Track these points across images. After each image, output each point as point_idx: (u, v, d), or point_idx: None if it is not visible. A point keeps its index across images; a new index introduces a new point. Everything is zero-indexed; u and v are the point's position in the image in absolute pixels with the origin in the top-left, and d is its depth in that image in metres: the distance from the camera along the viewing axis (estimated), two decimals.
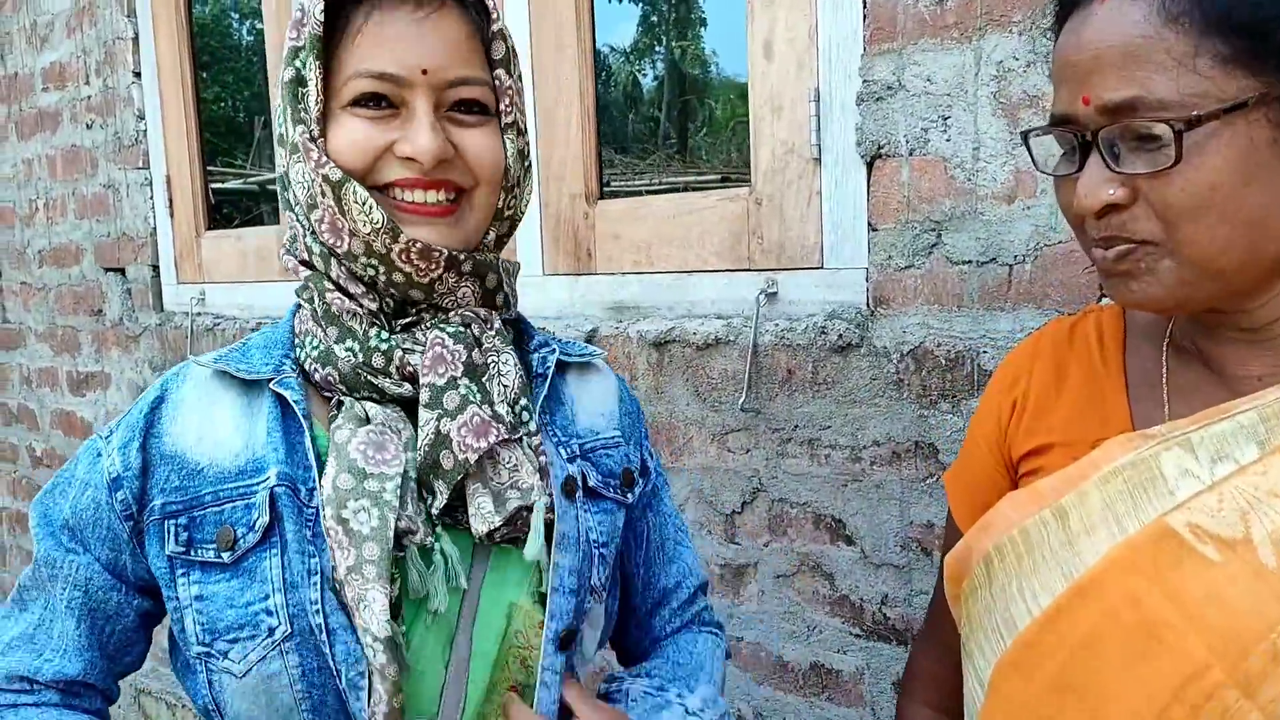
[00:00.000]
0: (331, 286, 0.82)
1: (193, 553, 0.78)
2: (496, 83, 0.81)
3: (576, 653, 0.84)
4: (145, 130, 2.44)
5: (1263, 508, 0.68)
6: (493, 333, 0.84)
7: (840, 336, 1.37)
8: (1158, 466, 0.73)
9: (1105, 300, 1.13)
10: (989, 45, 1.22)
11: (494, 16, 0.80)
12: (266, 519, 0.77)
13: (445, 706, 0.80)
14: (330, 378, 0.82)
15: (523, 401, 0.83)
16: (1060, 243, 1.20)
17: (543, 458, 0.83)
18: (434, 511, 0.79)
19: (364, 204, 0.76)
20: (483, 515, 0.78)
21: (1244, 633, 0.66)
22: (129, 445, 0.80)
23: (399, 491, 0.77)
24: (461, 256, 0.80)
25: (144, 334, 2.53)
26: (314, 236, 0.81)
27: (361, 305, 0.81)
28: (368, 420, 0.81)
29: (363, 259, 0.78)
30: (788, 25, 1.42)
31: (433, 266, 0.79)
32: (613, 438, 0.92)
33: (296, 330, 0.86)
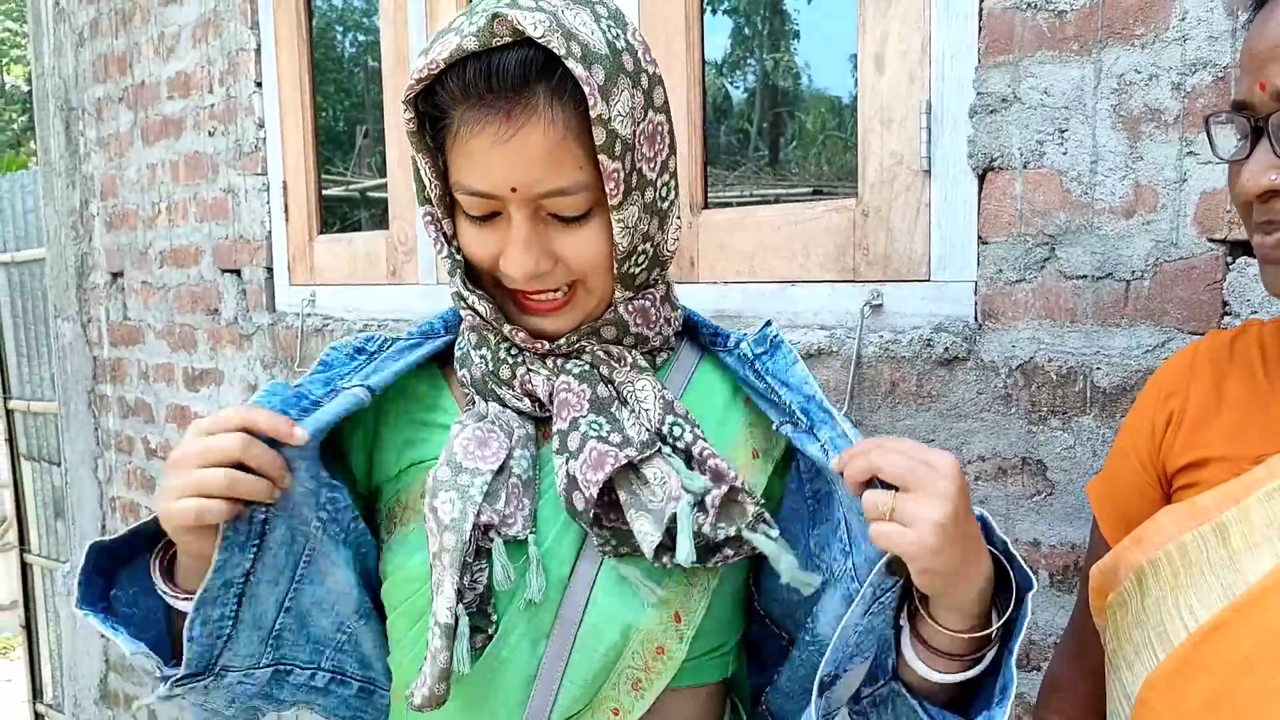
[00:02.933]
0: (465, 309, 0.88)
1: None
2: (600, 169, 0.76)
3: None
4: (264, 138, 2.55)
5: None
6: (626, 367, 0.86)
7: (946, 350, 1.37)
8: None
9: (1257, 316, 1.11)
10: (1109, 58, 1.21)
11: (591, 103, 0.74)
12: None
13: (534, 700, 0.83)
14: (464, 379, 0.87)
15: (669, 419, 0.83)
16: (1181, 259, 1.17)
17: (714, 460, 0.81)
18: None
19: (469, 299, 0.84)
20: (645, 537, 0.78)
21: None
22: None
23: (486, 487, 0.81)
24: (563, 343, 0.84)
25: (256, 333, 2.63)
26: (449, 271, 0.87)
27: (493, 322, 0.86)
28: (484, 418, 0.86)
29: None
30: (900, 38, 1.41)
31: (540, 345, 0.85)
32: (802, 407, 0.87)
33: (461, 329, 0.93)
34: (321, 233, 2.51)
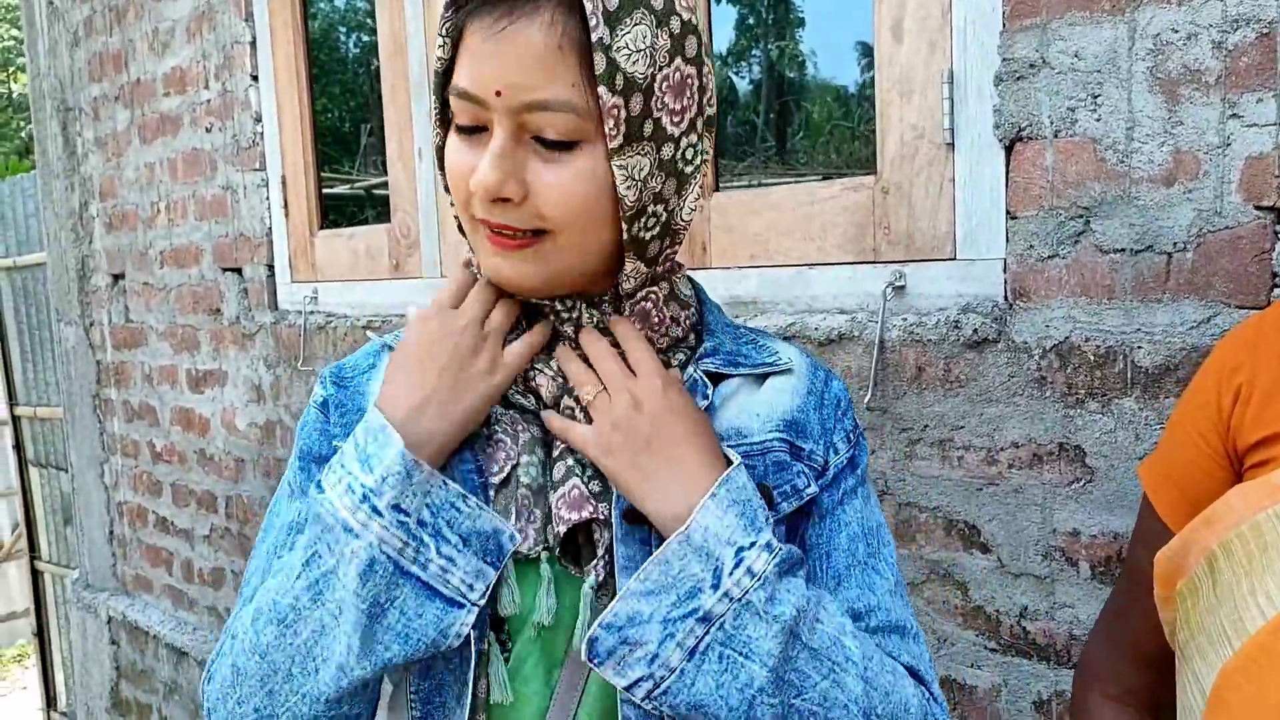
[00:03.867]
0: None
1: None
2: (599, 101, 0.68)
3: None
4: (262, 133, 2.49)
5: None
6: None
7: (975, 331, 1.30)
8: None
9: None
10: (1144, 17, 1.14)
11: (592, 24, 0.67)
12: None
13: None
14: None
15: None
16: (1226, 229, 1.10)
17: None
18: (593, 587, 0.75)
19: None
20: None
21: None
22: (324, 384, 0.85)
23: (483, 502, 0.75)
24: (545, 305, 0.78)
25: (259, 332, 2.58)
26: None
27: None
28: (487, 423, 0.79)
29: None
30: (919, 4, 1.34)
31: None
32: (761, 443, 0.79)
33: None
34: (323, 228, 2.45)
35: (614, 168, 0.70)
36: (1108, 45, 1.16)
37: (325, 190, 2.52)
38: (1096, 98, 1.18)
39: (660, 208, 0.75)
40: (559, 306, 0.78)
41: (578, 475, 0.75)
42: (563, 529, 0.74)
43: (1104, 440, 1.20)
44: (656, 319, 0.80)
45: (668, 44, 0.71)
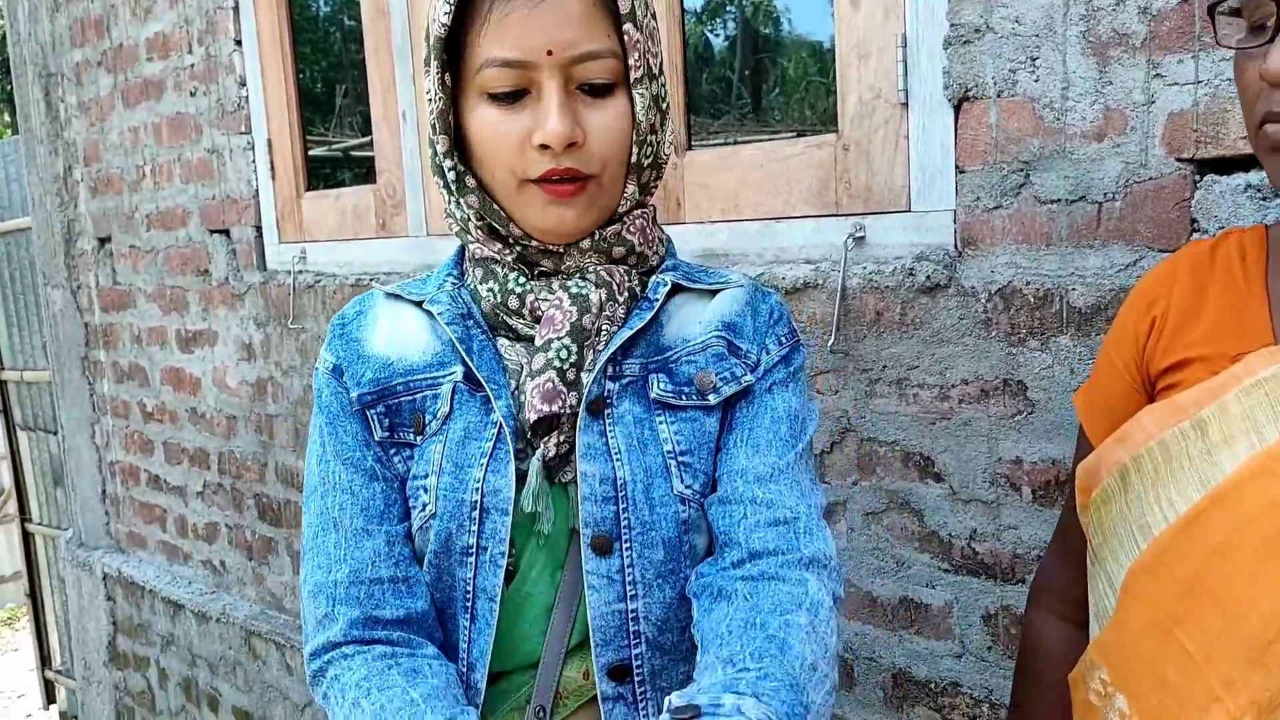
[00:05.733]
0: (474, 238, 0.91)
1: (396, 434, 0.91)
2: (625, 38, 0.83)
3: (684, 561, 0.90)
4: (247, 96, 2.55)
5: None
6: (623, 296, 0.90)
7: (928, 278, 1.40)
8: None
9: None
10: None
11: None
12: (447, 409, 0.88)
13: (552, 629, 0.89)
14: (461, 321, 0.91)
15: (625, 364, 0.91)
16: (1150, 179, 1.21)
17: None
18: (542, 459, 0.87)
19: (474, 204, 0.89)
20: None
21: None
22: (333, 344, 0.94)
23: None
24: (583, 243, 0.88)
25: (248, 292, 2.65)
26: (455, 203, 0.90)
27: (501, 255, 0.90)
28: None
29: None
30: None
31: (556, 247, 0.89)
32: (701, 342, 0.91)
33: (465, 265, 0.96)
34: (309, 189, 2.52)
35: (635, 95, 0.84)
36: (1045, 11, 1.26)
37: (309, 157, 2.58)
38: (1035, 60, 1.28)
39: (653, 138, 0.88)
40: (574, 251, 0.89)
41: (555, 369, 0.86)
42: (533, 416, 0.85)
43: (1043, 375, 1.32)
44: (650, 234, 0.93)
45: (642, 7, 0.85)
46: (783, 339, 0.96)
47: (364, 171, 2.51)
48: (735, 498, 0.88)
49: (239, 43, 2.54)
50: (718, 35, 2.34)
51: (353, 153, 2.92)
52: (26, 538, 4.61)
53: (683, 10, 1.74)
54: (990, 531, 1.40)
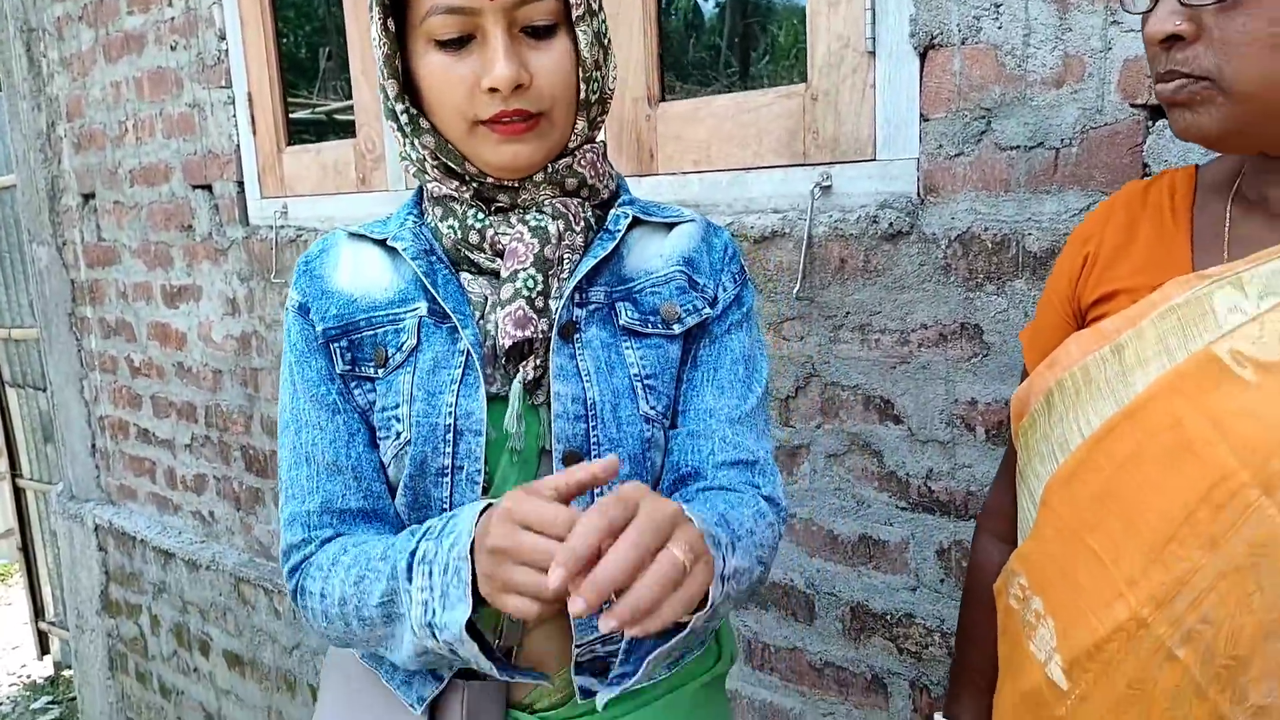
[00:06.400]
0: (431, 177, 0.94)
1: (358, 369, 0.94)
2: None
3: (646, 473, 0.95)
4: (226, 50, 2.55)
5: None
6: (579, 228, 0.94)
7: (891, 225, 1.43)
8: (1209, 303, 0.79)
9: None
10: None
11: None
12: (414, 342, 0.92)
13: None
14: (425, 256, 0.94)
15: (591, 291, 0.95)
16: (1106, 125, 1.24)
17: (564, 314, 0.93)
18: (523, 381, 0.91)
19: (429, 145, 0.92)
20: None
21: (1271, 441, 0.74)
22: (299, 282, 0.97)
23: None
24: (530, 183, 0.92)
25: (231, 247, 2.67)
26: (410, 145, 0.92)
27: (459, 192, 0.93)
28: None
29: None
30: None
31: (510, 182, 0.92)
32: (664, 275, 0.97)
33: (424, 205, 0.99)
34: (290, 144, 2.53)
35: (579, 33, 0.87)
36: None
37: (290, 116, 2.59)
38: (999, 6, 1.30)
39: (598, 74, 0.91)
40: (529, 185, 0.92)
41: (524, 297, 0.89)
42: (508, 342, 0.89)
43: (998, 319, 1.35)
44: (600, 168, 0.96)
45: None
46: (735, 276, 1.01)
47: (348, 135, 2.53)
48: (704, 433, 0.96)
49: None
50: (706, 1, 2.34)
51: (335, 115, 2.93)
52: (18, 493, 4.65)
53: None
54: (946, 470, 1.44)
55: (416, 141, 0.92)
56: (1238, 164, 0.88)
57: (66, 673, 4.54)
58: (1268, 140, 0.79)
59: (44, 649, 4.68)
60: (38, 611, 4.64)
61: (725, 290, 0.99)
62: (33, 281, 3.59)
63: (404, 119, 0.90)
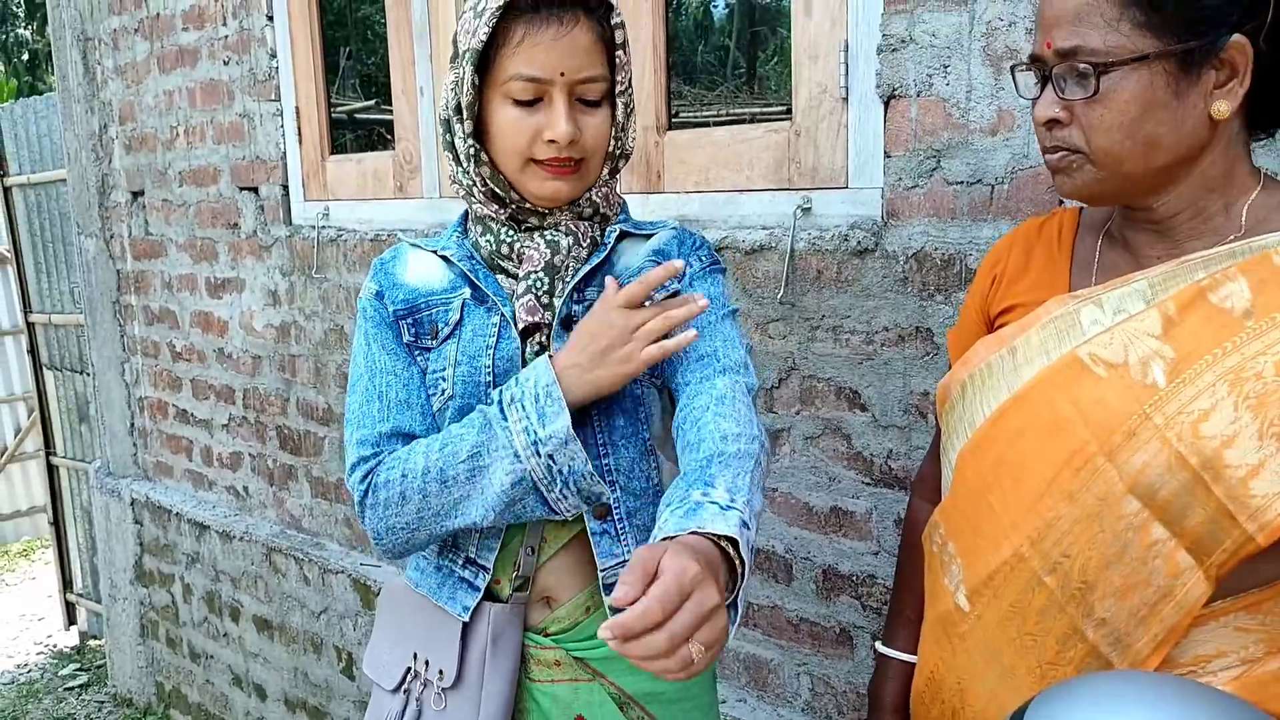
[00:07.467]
0: (477, 199, 1.20)
1: (419, 341, 1.21)
2: (616, 62, 1.12)
3: (641, 425, 1.20)
4: (277, 67, 2.82)
5: (1138, 342, 0.99)
6: (586, 243, 1.20)
7: (859, 243, 1.71)
8: (1078, 317, 1.04)
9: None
10: (981, 8, 1.53)
11: (615, 21, 1.11)
12: (458, 317, 1.19)
13: None
14: (467, 261, 1.22)
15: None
16: (1031, 167, 1.51)
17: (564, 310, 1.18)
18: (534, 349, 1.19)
19: (486, 178, 1.18)
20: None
21: (1112, 421, 0.99)
22: (376, 276, 1.24)
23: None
24: (567, 208, 1.19)
25: (275, 244, 2.94)
26: (464, 172, 1.19)
27: (497, 214, 1.20)
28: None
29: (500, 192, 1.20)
30: None
31: (548, 209, 1.19)
32: (640, 267, 1.20)
33: (468, 225, 1.27)
34: (333, 153, 2.81)
35: (618, 104, 1.15)
36: (955, 28, 1.55)
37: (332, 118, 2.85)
38: (946, 67, 1.58)
39: (624, 135, 1.19)
40: (556, 211, 1.19)
41: (533, 292, 1.17)
42: (522, 324, 1.17)
43: (946, 323, 1.62)
44: (612, 199, 1.24)
45: (626, 35, 1.16)
46: (703, 258, 1.24)
47: (365, 135, 2.78)
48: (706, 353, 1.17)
49: (270, 18, 2.81)
50: (717, 6, 2.51)
51: (357, 115, 3.17)
52: (51, 470, 4.92)
53: (666, 9, 2.02)
54: (903, 451, 1.71)
55: (471, 170, 1.17)
56: (1110, 210, 1.15)
57: (93, 642, 4.80)
58: (1125, 196, 1.05)
59: (71, 619, 4.95)
60: (66, 583, 4.91)
61: (692, 266, 1.21)
62: (79, 270, 3.86)
63: (469, 152, 1.16)
